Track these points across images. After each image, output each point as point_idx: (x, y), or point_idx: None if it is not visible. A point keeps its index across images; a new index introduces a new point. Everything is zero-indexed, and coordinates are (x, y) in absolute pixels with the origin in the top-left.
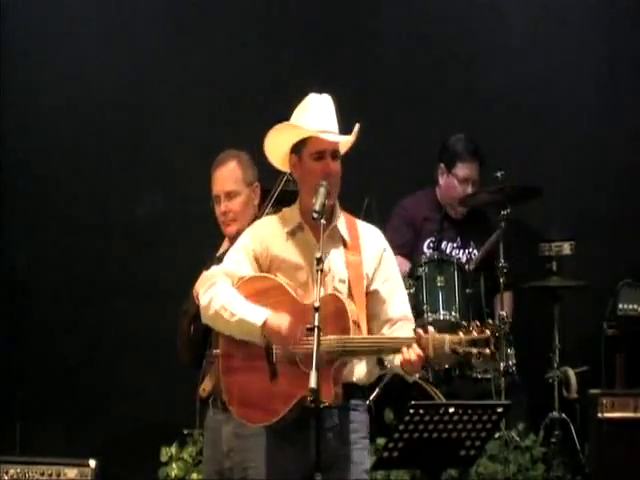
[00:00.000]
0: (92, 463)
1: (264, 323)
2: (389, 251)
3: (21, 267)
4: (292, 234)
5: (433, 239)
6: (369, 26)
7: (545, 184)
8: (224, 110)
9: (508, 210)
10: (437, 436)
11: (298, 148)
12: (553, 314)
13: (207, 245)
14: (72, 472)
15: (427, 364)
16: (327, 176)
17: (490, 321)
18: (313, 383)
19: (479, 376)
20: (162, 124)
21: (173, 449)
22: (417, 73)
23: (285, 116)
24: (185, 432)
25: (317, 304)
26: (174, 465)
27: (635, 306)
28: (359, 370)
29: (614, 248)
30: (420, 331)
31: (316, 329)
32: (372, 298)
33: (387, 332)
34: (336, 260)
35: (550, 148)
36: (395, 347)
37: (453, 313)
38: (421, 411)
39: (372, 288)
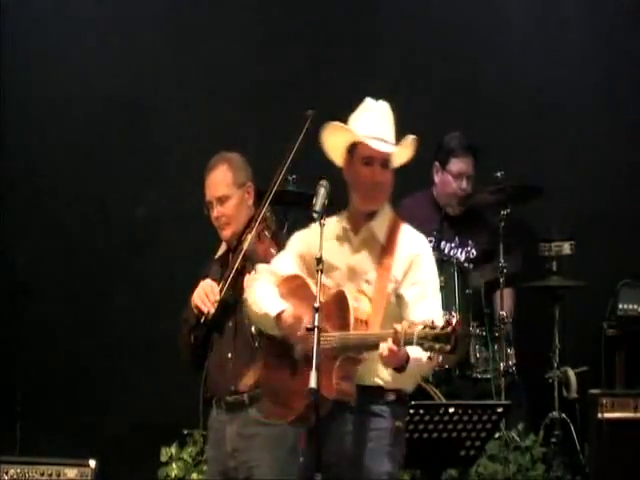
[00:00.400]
0: (92, 463)
1: (278, 315)
2: (424, 257)
3: (21, 267)
4: (337, 237)
5: (432, 239)
6: (368, 26)
7: (545, 184)
8: (224, 110)
9: (508, 210)
10: (437, 436)
11: (352, 149)
12: (553, 314)
13: (207, 245)
14: (72, 472)
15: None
16: (372, 183)
17: (455, 315)
18: (313, 383)
19: (479, 376)
20: (162, 124)
21: (173, 449)
22: (417, 73)
23: (285, 116)
24: (185, 432)
25: (317, 305)
26: (174, 465)
27: (635, 306)
28: (383, 371)
29: (614, 248)
30: (397, 326)
31: (316, 329)
32: (399, 302)
33: None
34: (365, 261)
35: (550, 148)
36: (375, 342)
37: (453, 313)
38: (421, 411)
39: (399, 292)
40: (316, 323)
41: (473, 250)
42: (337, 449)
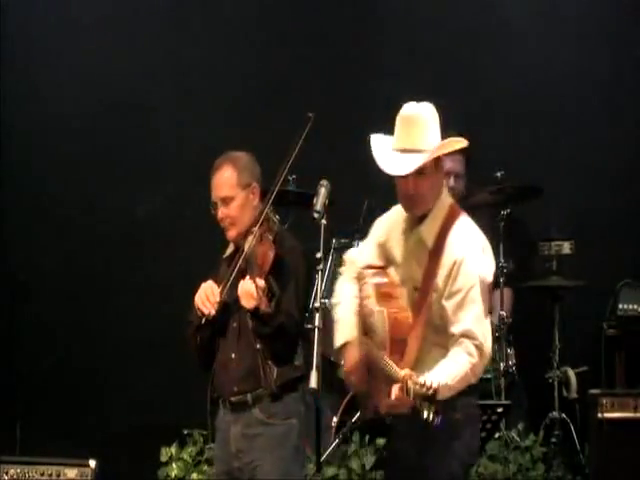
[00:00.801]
0: (92, 463)
1: (340, 347)
2: (467, 261)
3: (21, 267)
4: (404, 232)
5: None
6: (368, 26)
7: (545, 184)
8: (224, 110)
9: (508, 210)
10: None
11: None
12: (553, 314)
13: (206, 245)
14: (72, 472)
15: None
16: (406, 196)
17: (422, 382)
18: (313, 383)
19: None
20: (162, 124)
21: (173, 449)
22: (417, 73)
23: (284, 116)
24: (185, 432)
25: (317, 304)
26: (174, 465)
27: (635, 306)
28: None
29: (614, 248)
30: (407, 372)
31: (316, 329)
32: (442, 310)
33: (450, 347)
34: (415, 266)
35: (550, 148)
36: (392, 377)
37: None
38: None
39: (442, 301)
40: (316, 323)
41: None
42: (400, 447)
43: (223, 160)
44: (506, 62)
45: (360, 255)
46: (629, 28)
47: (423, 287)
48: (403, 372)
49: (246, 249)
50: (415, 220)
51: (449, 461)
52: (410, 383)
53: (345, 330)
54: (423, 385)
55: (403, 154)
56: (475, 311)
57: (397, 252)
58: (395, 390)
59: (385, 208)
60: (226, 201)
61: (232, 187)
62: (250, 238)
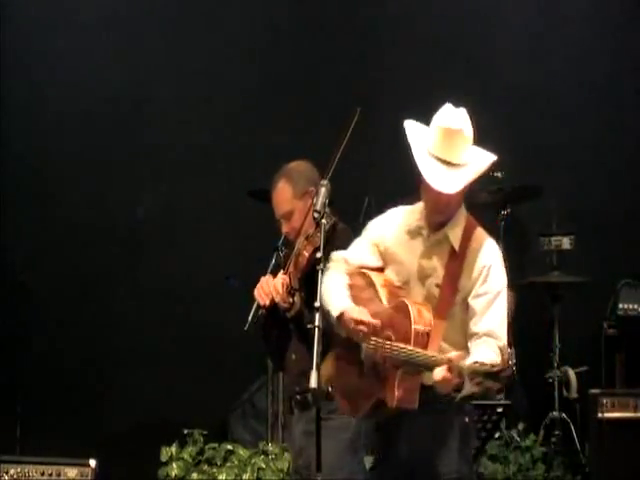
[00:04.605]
0: (92, 463)
1: (340, 315)
2: (495, 267)
3: (21, 267)
4: (409, 231)
5: None
6: (369, 26)
7: (545, 182)
8: (224, 110)
9: (508, 210)
10: None
11: None
12: (553, 313)
13: (207, 245)
14: (72, 472)
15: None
16: (436, 204)
17: (508, 352)
18: (313, 383)
19: None
20: (162, 123)
21: (173, 449)
22: (417, 73)
23: (285, 116)
24: (185, 432)
25: (317, 304)
26: (174, 465)
27: (635, 306)
28: None
29: (614, 248)
30: (452, 354)
31: (316, 329)
32: (465, 310)
33: (470, 345)
34: (437, 264)
35: (550, 148)
36: (431, 365)
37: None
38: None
39: (468, 300)
40: (316, 323)
41: None
42: (408, 447)
43: (277, 176)
44: (506, 61)
45: (353, 254)
46: (629, 28)
47: (447, 285)
48: (451, 354)
49: (295, 249)
50: (434, 223)
51: (462, 463)
52: (463, 363)
53: (338, 302)
54: (486, 364)
55: (449, 169)
56: (501, 314)
57: (401, 251)
58: (441, 372)
59: (385, 205)
60: (287, 216)
61: (289, 201)
62: (301, 239)
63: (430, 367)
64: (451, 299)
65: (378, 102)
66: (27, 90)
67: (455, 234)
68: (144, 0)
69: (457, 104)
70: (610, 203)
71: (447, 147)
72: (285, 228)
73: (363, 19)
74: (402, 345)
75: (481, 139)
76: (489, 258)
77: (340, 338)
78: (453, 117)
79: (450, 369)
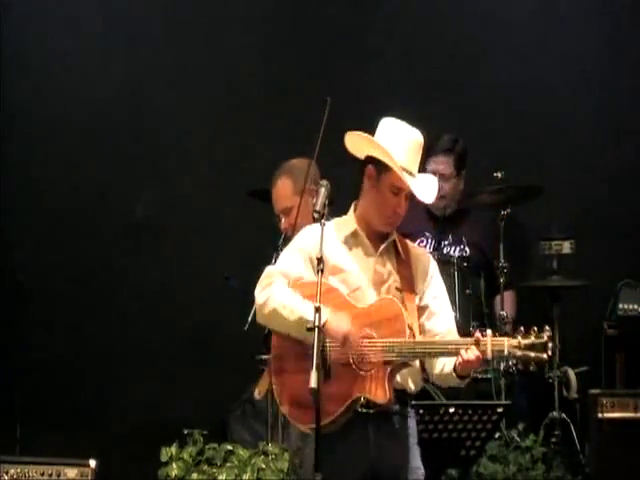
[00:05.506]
0: (92, 463)
1: (325, 323)
2: (437, 273)
3: (21, 267)
4: (346, 241)
5: (424, 239)
6: (368, 26)
7: (545, 184)
8: (224, 110)
9: (508, 210)
10: (437, 436)
11: (380, 167)
12: (553, 314)
13: (207, 245)
14: (72, 472)
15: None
16: (394, 212)
17: (547, 327)
18: (313, 383)
19: (479, 376)
20: (161, 124)
21: (173, 449)
22: (417, 73)
23: (284, 116)
24: (185, 432)
25: (317, 304)
26: (174, 465)
27: (635, 306)
28: (414, 379)
29: (614, 248)
30: (478, 334)
31: (316, 329)
32: (422, 312)
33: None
34: (391, 269)
35: (550, 148)
36: (454, 350)
37: (454, 313)
38: (421, 411)
39: (423, 303)
40: (316, 323)
41: (466, 248)
42: (376, 450)
43: (278, 172)
44: (506, 61)
45: (291, 268)
46: (629, 27)
47: (406, 288)
48: (476, 335)
49: None
50: (381, 232)
51: (419, 460)
52: (505, 339)
53: (310, 307)
54: (531, 334)
55: (414, 180)
56: (452, 314)
57: (345, 261)
58: (472, 352)
59: None
60: (286, 212)
61: (289, 197)
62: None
63: (456, 352)
64: (414, 302)
65: (377, 102)
66: (27, 90)
67: (398, 241)
68: (144, 0)
69: (457, 103)
70: (610, 204)
71: (414, 159)
72: (283, 224)
73: (363, 19)
74: (412, 340)
75: (481, 139)
76: (431, 262)
77: (283, 348)
78: (411, 130)
79: (480, 349)
